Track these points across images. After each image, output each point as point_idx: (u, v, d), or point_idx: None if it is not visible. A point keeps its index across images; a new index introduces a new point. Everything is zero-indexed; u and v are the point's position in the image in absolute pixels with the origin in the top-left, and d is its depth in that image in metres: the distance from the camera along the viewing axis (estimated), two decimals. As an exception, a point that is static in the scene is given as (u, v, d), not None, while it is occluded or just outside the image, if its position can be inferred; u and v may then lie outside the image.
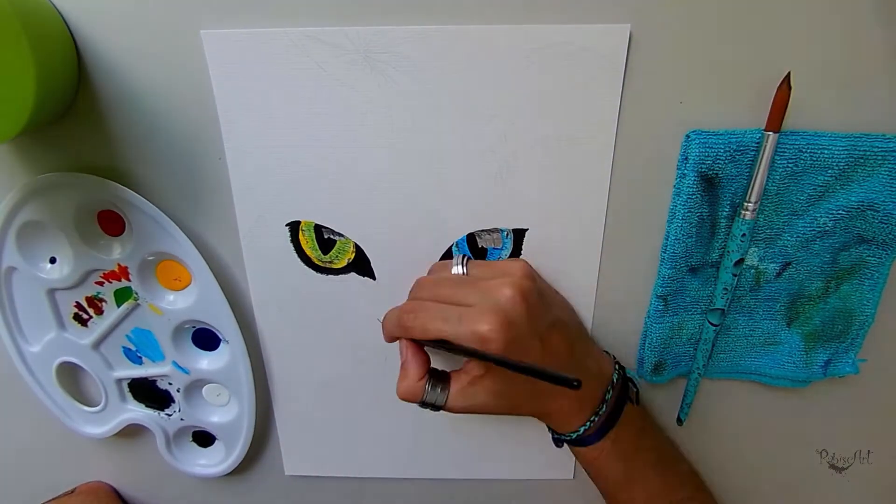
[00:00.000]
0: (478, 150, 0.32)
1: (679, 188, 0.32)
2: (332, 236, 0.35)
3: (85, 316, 0.38)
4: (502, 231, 0.34)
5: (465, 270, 0.33)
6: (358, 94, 0.31)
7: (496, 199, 0.33)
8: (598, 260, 0.35)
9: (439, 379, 0.32)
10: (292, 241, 0.35)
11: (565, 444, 0.36)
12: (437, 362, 0.35)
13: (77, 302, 0.37)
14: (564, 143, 0.31)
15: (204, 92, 0.31)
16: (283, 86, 0.31)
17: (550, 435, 0.36)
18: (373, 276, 0.36)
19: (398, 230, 0.34)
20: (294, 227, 0.35)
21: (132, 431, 0.42)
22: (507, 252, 0.35)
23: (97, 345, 0.38)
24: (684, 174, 0.31)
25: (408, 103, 0.31)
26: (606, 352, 0.37)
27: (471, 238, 0.34)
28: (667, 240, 0.33)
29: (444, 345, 0.30)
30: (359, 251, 0.35)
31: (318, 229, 0.35)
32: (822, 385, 0.38)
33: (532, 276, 0.33)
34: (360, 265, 0.35)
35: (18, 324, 0.38)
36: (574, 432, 0.34)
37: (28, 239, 0.35)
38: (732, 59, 0.29)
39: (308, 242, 0.35)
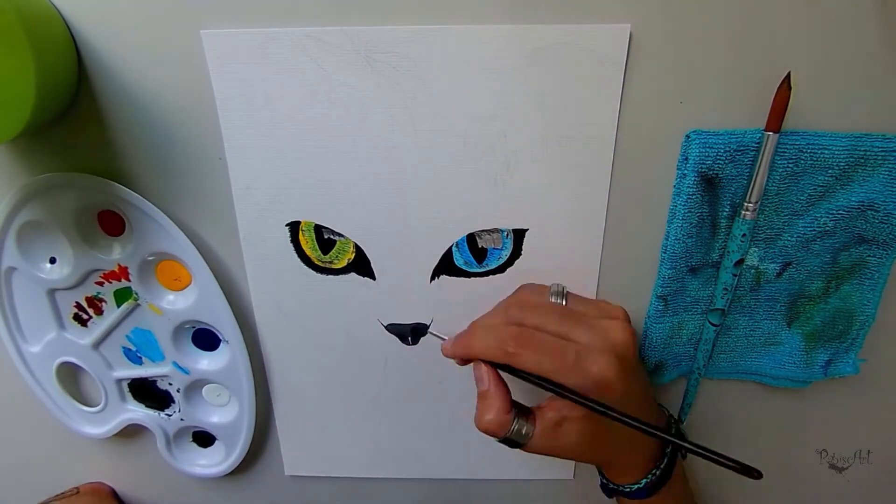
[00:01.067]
0: (478, 150, 0.32)
1: (679, 188, 0.32)
2: (332, 236, 0.35)
3: (85, 316, 0.38)
4: (502, 231, 0.34)
5: (565, 302, 0.32)
6: (358, 94, 0.31)
7: (496, 199, 0.33)
8: (598, 260, 0.35)
9: (523, 414, 0.30)
10: (292, 241, 0.35)
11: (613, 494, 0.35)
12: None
13: (77, 302, 0.37)
14: (564, 143, 0.31)
15: (204, 92, 0.31)
16: (283, 86, 0.31)
17: (601, 482, 0.36)
18: (373, 277, 0.36)
19: (398, 230, 0.34)
20: (294, 227, 0.35)
21: (132, 431, 0.42)
22: (508, 252, 0.35)
23: (97, 345, 0.38)
24: (684, 174, 0.31)
25: (408, 103, 0.31)
26: (659, 404, 0.37)
27: (471, 238, 0.34)
28: (667, 240, 0.33)
29: (541, 381, 0.28)
30: (359, 251, 0.35)
31: (318, 229, 0.35)
32: (822, 385, 0.38)
33: (630, 321, 0.31)
34: (360, 265, 0.35)
35: (18, 324, 0.38)
36: (634, 484, 0.33)
37: (28, 239, 0.35)
38: (732, 59, 0.29)
39: (308, 242, 0.35)
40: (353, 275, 0.36)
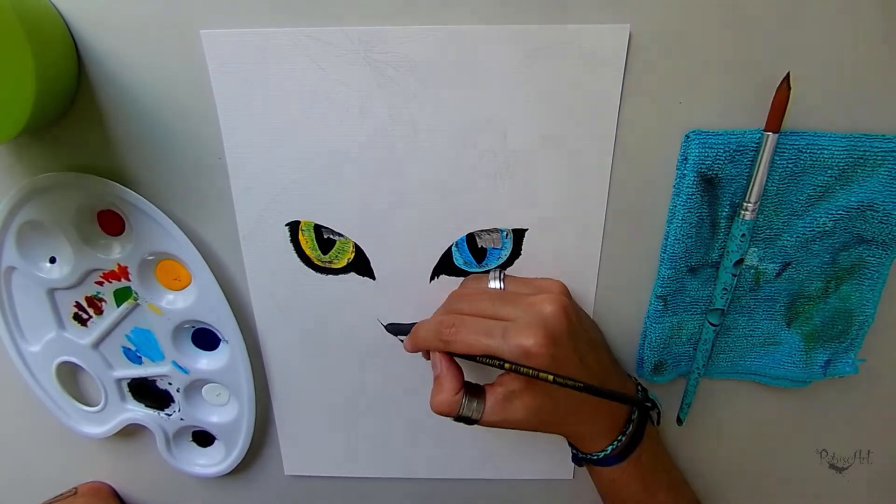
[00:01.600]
0: (478, 150, 0.32)
1: (679, 188, 0.32)
2: (331, 236, 0.35)
3: (85, 316, 0.38)
4: (502, 231, 0.34)
5: (502, 285, 0.33)
6: (358, 94, 0.31)
7: (496, 199, 0.33)
8: (598, 260, 0.35)
9: (474, 392, 0.32)
10: (292, 241, 0.35)
11: (585, 463, 0.36)
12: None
13: (77, 302, 0.37)
14: (564, 143, 0.31)
15: (204, 92, 0.31)
16: (283, 86, 0.31)
17: (571, 453, 0.36)
18: (372, 277, 0.36)
19: (398, 230, 0.34)
20: (294, 227, 0.35)
21: (132, 431, 0.42)
22: (507, 252, 0.35)
23: (97, 344, 0.38)
24: (684, 174, 0.31)
25: (408, 103, 0.31)
26: (628, 374, 0.38)
27: (471, 238, 0.34)
28: (666, 240, 0.33)
29: (483, 359, 0.30)
30: (358, 251, 0.35)
31: (318, 229, 0.35)
32: (822, 385, 0.38)
33: (569, 294, 0.33)
34: (360, 265, 0.35)
35: (18, 324, 0.38)
36: (601, 451, 0.34)
37: (28, 239, 0.35)
38: (732, 59, 0.29)
39: (308, 242, 0.35)
40: (352, 274, 0.36)
